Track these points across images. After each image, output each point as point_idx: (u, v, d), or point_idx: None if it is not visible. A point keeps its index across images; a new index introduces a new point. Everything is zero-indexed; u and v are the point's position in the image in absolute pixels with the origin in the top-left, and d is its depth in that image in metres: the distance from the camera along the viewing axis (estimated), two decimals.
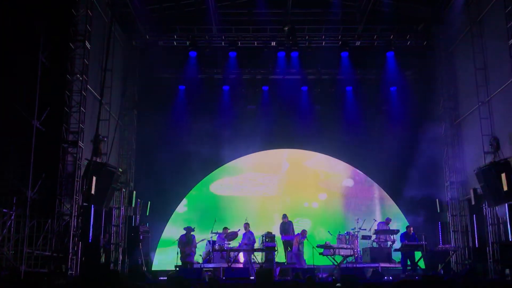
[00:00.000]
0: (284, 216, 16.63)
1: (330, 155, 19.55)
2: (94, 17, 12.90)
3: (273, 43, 17.70)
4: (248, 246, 14.91)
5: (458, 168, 16.72)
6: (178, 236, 15.70)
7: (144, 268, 15.19)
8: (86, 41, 12.21)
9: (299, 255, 15.40)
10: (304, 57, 17.94)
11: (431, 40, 17.07)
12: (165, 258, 17.49)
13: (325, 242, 14.89)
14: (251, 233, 15.42)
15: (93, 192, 12.15)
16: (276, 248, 14.64)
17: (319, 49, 17.92)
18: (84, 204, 11.98)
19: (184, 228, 15.73)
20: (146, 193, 17.37)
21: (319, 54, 17.98)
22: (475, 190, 14.53)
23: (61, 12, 11.69)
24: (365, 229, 15.89)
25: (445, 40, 17.17)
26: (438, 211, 16.84)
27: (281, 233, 16.31)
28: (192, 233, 15.58)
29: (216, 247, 14.57)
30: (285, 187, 19.51)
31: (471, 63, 14.97)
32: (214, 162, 19.00)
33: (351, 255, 14.69)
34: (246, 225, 15.53)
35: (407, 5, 16.53)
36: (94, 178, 12.15)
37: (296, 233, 16.11)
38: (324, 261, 15.02)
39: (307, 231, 16.16)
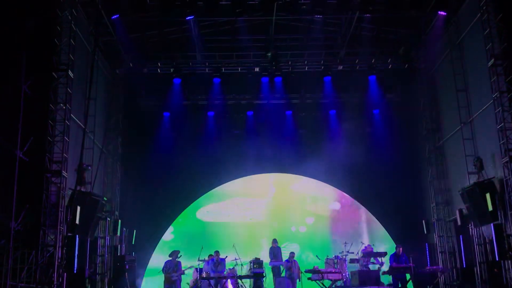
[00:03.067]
0: (274, 241, 16.54)
1: (316, 179, 19.58)
2: (77, 46, 12.92)
3: (257, 69, 17.83)
4: (215, 274, 14.70)
5: (443, 189, 16.84)
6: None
7: None
8: (69, 70, 12.18)
9: (292, 279, 15.28)
10: (287, 82, 18.08)
11: (412, 63, 17.31)
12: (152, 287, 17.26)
13: (314, 267, 14.80)
14: (222, 260, 15.20)
15: (77, 222, 11.98)
16: (264, 274, 14.53)
17: (302, 74, 18.09)
18: (69, 234, 11.82)
19: (170, 254, 15.44)
20: (131, 221, 17.21)
21: (302, 78, 18.19)
22: (460, 210, 14.61)
23: (44, 42, 11.71)
24: (353, 252, 15.83)
25: (426, 63, 17.46)
26: (425, 232, 16.87)
27: (270, 258, 16.16)
28: (178, 258, 15.31)
29: (204, 274, 14.41)
30: (272, 212, 19.46)
31: (452, 85, 15.19)
32: (200, 188, 18.99)
33: (339, 279, 14.59)
34: (216, 253, 15.35)
35: (387, 29, 16.78)
36: (78, 208, 12.00)
37: (284, 258, 16.03)
38: (313, 286, 14.89)
39: (294, 253, 16.08)
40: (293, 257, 15.87)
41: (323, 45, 17.47)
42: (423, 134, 17.66)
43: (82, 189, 12.80)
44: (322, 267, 15.04)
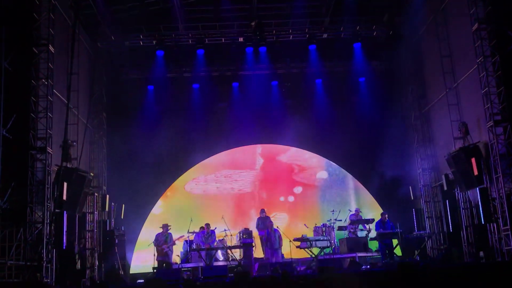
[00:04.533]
0: (262, 211, 16.63)
1: (303, 148, 19.64)
2: (57, 20, 12.64)
3: (241, 39, 17.65)
4: (205, 245, 14.79)
5: (429, 154, 17.00)
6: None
7: (121, 272, 15.03)
8: (50, 45, 11.95)
9: (273, 249, 15.42)
10: (272, 52, 17.94)
11: (397, 30, 17.24)
12: (143, 261, 17.35)
13: (302, 235, 14.94)
14: (212, 232, 15.30)
15: (65, 198, 11.95)
16: (253, 244, 14.65)
17: (287, 43, 17.98)
18: (56, 210, 11.77)
19: (161, 226, 15.58)
20: (120, 196, 17.15)
21: (287, 48, 18.07)
22: (446, 175, 14.76)
23: (23, 17, 11.49)
24: (341, 220, 16.02)
25: (410, 30, 17.37)
26: (412, 198, 17.07)
27: (259, 228, 16.26)
28: (169, 231, 15.43)
29: (194, 246, 14.51)
30: (260, 183, 19.52)
31: (437, 51, 15.18)
32: (187, 162, 18.93)
33: (328, 247, 14.79)
34: (207, 225, 15.44)
35: None
36: (65, 184, 11.95)
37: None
38: (303, 254, 15.07)
39: (273, 223, 16.06)
40: (272, 226, 15.69)
41: (307, 13, 17.26)
42: (409, 100, 17.71)
43: (68, 165, 12.73)
44: (310, 235, 15.21)
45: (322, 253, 14.67)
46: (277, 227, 15.76)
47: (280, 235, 15.55)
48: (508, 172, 11.63)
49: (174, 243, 15.42)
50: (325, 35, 17.76)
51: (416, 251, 14.97)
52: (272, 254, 15.20)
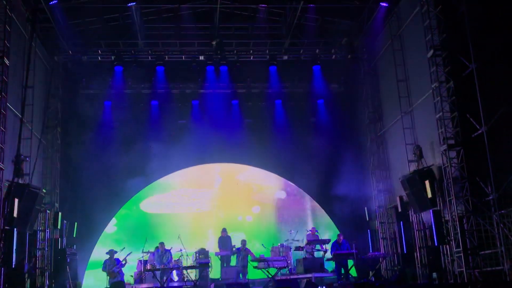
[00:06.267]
0: (223, 230, 16.53)
1: (262, 168, 19.66)
2: (13, 33, 12.38)
3: (202, 57, 17.67)
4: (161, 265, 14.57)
5: (384, 176, 17.26)
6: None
7: None
8: (5, 58, 11.68)
9: (244, 267, 15.28)
10: (233, 71, 18.05)
11: (355, 54, 17.62)
12: (95, 281, 16.87)
13: (259, 256, 14.87)
14: (168, 251, 15.12)
15: (15, 214, 11.58)
16: (210, 264, 14.48)
17: (248, 63, 18.11)
18: (6, 227, 11.36)
19: (107, 252, 15.41)
20: (72, 213, 16.75)
21: (248, 68, 18.19)
22: (401, 197, 15.03)
23: None
24: (298, 240, 16.03)
25: (368, 54, 17.81)
26: (367, 219, 17.28)
27: (220, 248, 16.11)
28: (121, 251, 15.11)
29: (148, 266, 14.21)
30: (218, 202, 19.39)
31: (394, 75, 15.55)
32: (144, 179, 18.54)
33: (285, 267, 14.73)
34: (161, 244, 15.28)
35: (331, 20, 16.98)
36: (16, 200, 11.61)
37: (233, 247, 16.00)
38: (260, 274, 14.97)
39: (246, 241, 16.06)
40: (245, 245, 15.79)
41: (268, 35, 17.48)
42: (366, 123, 18.02)
43: (20, 181, 12.32)
44: (268, 255, 15.15)
45: (279, 274, 14.61)
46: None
47: (247, 255, 15.43)
48: (460, 195, 11.93)
49: (123, 264, 15.02)
50: (285, 57, 17.98)
51: (371, 272, 15.09)
52: (231, 273, 15.03)
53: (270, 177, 19.77)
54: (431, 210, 12.77)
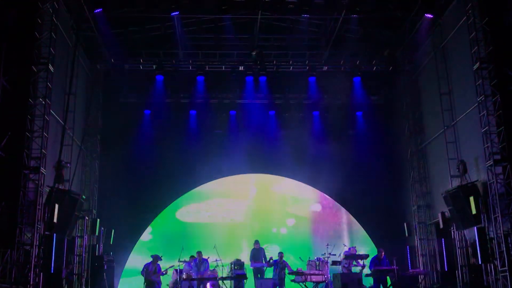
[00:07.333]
0: (256, 242, 16.36)
1: (297, 180, 19.41)
2: (58, 40, 12.57)
3: (241, 68, 17.67)
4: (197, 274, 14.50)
5: (424, 191, 16.87)
6: (142, 265, 15.19)
7: None
8: (50, 65, 11.85)
9: (281, 280, 15.06)
10: (272, 81, 17.96)
11: (397, 65, 17.33)
12: None
13: (297, 268, 14.65)
14: (205, 260, 15.04)
15: (55, 220, 11.66)
16: (245, 276, 14.35)
17: (286, 73, 18.01)
18: (46, 233, 11.49)
19: (152, 256, 15.24)
20: (109, 220, 16.84)
21: (287, 78, 18.09)
22: (443, 213, 14.62)
23: (24, 35, 11.40)
24: (335, 254, 15.75)
25: (410, 65, 17.50)
26: (406, 234, 16.87)
27: (251, 260, 15.98)
28: (159, 262, 15.08)
29: (184, 276, 14.16)
30: (253, 213, 19.24)
31: (436, 88, 15.22)
32: (180, 188, 18.66)
33: (322, 281, 14.49)
34: (198, 253, 15.20)
35: (372, 31, 16.75)
36: (56, 206, 11.68)
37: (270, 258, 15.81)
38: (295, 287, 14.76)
39: (283, 253, 15.85)
40: (282, 257, 15.57)
41: (307, 46, 17.37)
42: (406, 136, 17.67)
43: (61, 187, 12.45)
44: (304, 269, 14.92)
45: None
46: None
47: (285, 267, 15.23)
48: (506, 212, 11.50)
49: (163, 273, 14.98)
50: (325, 68, 17.83)
51: None
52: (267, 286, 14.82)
53: (305, 189, 19.52)
54: (475, 227, 12.36)
